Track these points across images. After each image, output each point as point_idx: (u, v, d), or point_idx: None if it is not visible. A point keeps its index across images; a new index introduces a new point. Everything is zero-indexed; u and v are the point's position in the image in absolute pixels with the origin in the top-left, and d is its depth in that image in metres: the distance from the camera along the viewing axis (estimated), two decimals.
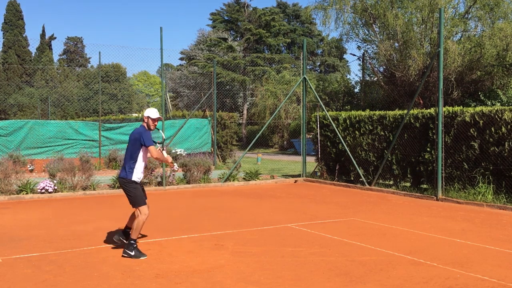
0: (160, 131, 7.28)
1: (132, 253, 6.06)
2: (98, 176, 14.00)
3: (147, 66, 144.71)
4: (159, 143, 6.80)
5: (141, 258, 6.03)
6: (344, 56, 58.19)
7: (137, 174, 6.29)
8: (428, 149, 11.78)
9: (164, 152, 6.61)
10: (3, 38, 52.30)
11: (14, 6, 53.58)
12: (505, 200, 10.16)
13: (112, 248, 6.62)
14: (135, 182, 6.26)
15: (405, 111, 12.63)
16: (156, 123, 6.41)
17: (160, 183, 13.42)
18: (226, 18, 52.56)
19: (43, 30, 58.11)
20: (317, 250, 6.51)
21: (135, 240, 6.17)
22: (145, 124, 6.40)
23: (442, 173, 11.21)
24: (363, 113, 14.00)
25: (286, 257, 6.12)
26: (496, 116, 10.40)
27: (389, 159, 12.91)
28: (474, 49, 21.59)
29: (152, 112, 6.40)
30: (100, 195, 12.18)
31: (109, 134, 19.21)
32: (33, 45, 64.33)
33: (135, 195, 6.24)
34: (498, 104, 20.28)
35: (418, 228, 7.94)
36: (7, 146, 16.81)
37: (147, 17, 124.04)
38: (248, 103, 45.27)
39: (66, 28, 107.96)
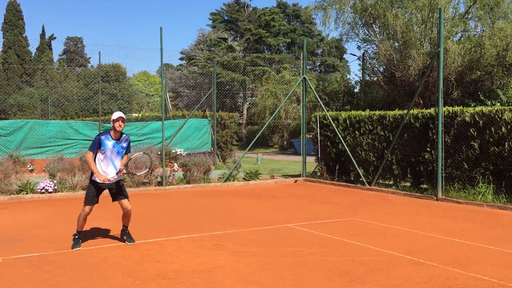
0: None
1: (72, 243, 6.60)
2: None
3: (147, 66, 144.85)
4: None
5: (73, 249, 6.47)
6: (344, 56, 58.32)
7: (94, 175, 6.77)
8: (428, 149, 11.78)
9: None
10: (3, 38, 52.41)
11: (14, 6, 53.59)
12: (505, 200, 10.16)
13: (112, 248, 6.62)
14: (92, 181, 6.79)
15: (405, 111, 12.63)
16: (116, 123, 6.68)
17: (160, 183, 13.42)
18: (226, 18, 52.60)
19: (43, 30, 58.22)
20: (317, 250, 6.51)
21: (77, 231, 6.69)
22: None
23: (442, 173, 11.20)
24: (363, 113, 14.00)
25: (286, 257, 6.12)
26: (496, 116, 10.39)
27: (389, 159, 12.91)
28: (474, 49, 21.58)
29: (113, 115, 6.79)
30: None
31: None
32: (33, 45, 64.38)
33: (86, 193, 6.83)
34: (498, 104, 20.29)
35: (418, 228, 7.94)
36: (7, 146, 16.79)
37: (147, 17, 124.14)
38: (248, 103, 45.28)
39: (66, 28, 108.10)
